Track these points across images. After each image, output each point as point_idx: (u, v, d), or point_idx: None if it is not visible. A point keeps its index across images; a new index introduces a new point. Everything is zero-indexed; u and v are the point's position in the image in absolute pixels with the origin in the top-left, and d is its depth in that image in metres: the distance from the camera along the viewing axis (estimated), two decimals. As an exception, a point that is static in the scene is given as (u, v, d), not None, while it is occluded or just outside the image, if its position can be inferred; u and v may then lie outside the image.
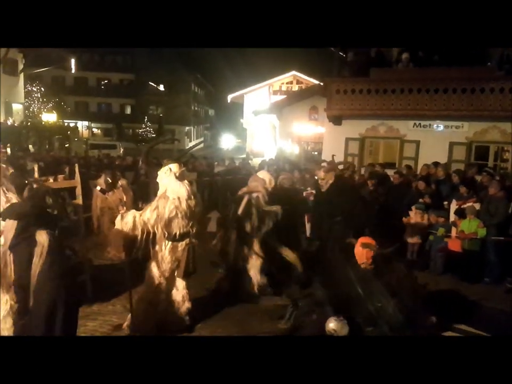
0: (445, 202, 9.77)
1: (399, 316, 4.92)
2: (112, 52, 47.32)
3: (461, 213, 8.96)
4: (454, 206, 9.34)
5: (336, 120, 16.76)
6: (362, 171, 13.66)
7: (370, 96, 15.65)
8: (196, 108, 58.23)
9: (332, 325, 4.43)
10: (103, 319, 6.43)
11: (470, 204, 8.89)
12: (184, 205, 5.82)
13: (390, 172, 12.46)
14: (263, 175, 8.09)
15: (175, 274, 6.13)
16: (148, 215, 5.76)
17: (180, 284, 6.18)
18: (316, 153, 23.85)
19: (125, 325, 6.08)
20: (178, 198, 5.81)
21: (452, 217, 9.23)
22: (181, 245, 5.99)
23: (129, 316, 6.04)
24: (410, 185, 10.86)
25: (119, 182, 9.60)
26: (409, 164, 14.30)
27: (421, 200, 9.74)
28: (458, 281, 8.54)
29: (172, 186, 5.89)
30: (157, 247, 6.03)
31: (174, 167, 5.97)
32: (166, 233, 5.90)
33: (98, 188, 9.39)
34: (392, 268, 5.40)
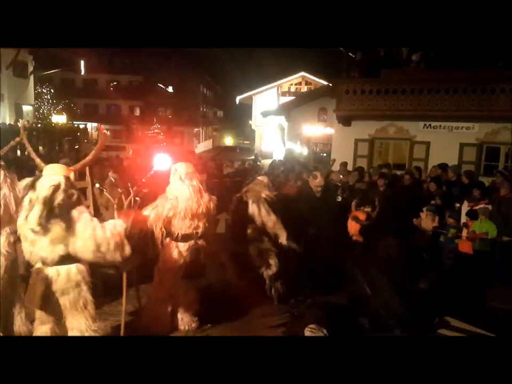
0: (457, 205, 9.70)
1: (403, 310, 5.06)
2: (121, 54, 47.42)
3: (473, 215, 8.90)
4: (465, 208, 9.27)
5: (345, 121, 16.72)
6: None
7: (379, 97, 15.59)
8: (205, 109, 58.32)
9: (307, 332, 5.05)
10: (113, 319, 6.42)
11: (482, 206, 8.82)
12: (182, 205, 5.73)
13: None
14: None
15: (180, 275, 6.06)
16: (147, 213, 5.74)
17: (188, 285, 6.13)
18: (324, 154, 23.80)
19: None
20: (176, 198, 5.75)
21: (464, 218, 9.17)
22: (184, 246, 5.93)
23: (139, 315, 6.04)
24: (421, 186, 10.78)
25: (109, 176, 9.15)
26: (419, 165, 14.20)
27: (432, 202, 9.67)
28: (469, 282, 8.47)
29: (174, 186, 5.87)
30: (162, 247, 5.99)
31: (180, 167, 5.93)
32: (165, 232, 5.84)
33: (97, 185, 8.79)
34: (381, 244, 5.54)
